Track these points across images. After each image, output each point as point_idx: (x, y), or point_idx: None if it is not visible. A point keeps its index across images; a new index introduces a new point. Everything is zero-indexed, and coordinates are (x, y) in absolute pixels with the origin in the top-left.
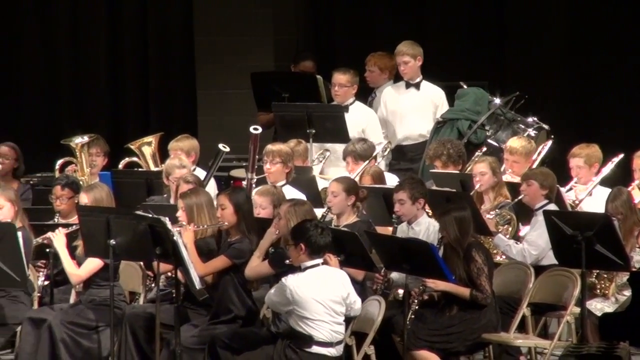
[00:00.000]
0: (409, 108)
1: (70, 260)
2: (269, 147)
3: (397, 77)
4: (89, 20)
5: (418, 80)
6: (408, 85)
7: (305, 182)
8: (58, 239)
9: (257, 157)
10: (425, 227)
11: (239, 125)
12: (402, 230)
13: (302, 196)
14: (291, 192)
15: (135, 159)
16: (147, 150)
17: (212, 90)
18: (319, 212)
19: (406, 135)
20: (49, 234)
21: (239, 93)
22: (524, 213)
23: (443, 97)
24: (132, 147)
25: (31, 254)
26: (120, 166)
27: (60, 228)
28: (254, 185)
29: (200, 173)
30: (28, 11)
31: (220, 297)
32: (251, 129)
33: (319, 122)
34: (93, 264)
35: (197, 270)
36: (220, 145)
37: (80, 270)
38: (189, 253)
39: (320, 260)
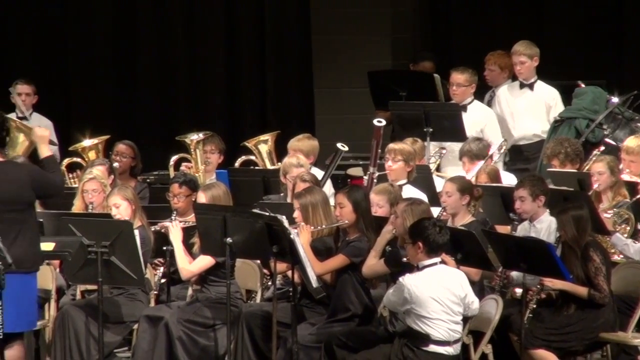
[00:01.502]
0: (522, 108)
1: (183, 255)
2: (392, 145)
3: (516, 76)
4: (205, 18)
5: (532, 80)
6: (522, 86)
7: (422, 180)
8: (175, 232)
9: (379, 151)
10: (547, 225)
11: (356, 123)
12: (524, 229)
13: (423, 196)
14: (412, 192)
15: (251, 157)
16: (264, 148)
17: (329, 89)
18: (436, 210)
19: (521, 135)
20: (167, 223)
21: (356, 91)
22: None
23: (557, 97)
24: (248, 145)
25: (150, 253)
26: (237, 164)
27: (177, 221)
28: (375, 180)
29: (317, 172)
30: (145, 9)
31: (338, 295)
32: (375, 122)
33: (436, 120)
34: (205, 261)
35: (315, 269)
36: (339, 145)
37: (191, 265)
38: (307, 255)
39: (438, 259)
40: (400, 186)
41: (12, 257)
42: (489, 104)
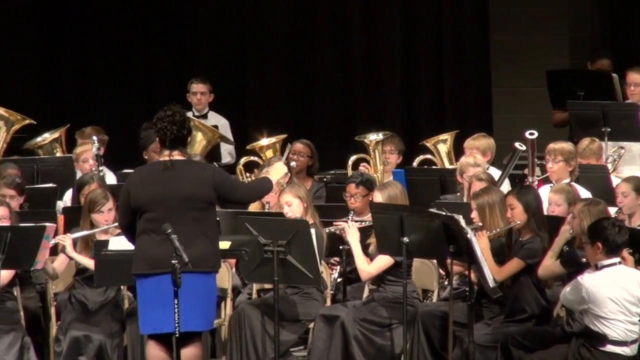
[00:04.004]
0: None
1: (362, 256)
2: (551, 145)
3: None
4: (383, 17)
5: None
6: None
7: (599, 180)
8: (352, 233)
9: (536, 161)
10: None
11: (534, 123)
12: None
13: (587, 194)
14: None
15: (429, 156)
16: (443, 148)
17: (507, 88)
18: (612, 210)
19: None
20: (343, 224)
21: (534, 91)
22: None
23: None
24: (427, 144)
25: (323, 251)
26: (415, 164)
27: (352, 222)
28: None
29: (494, 172)
30: (322, 8)
31: (515, 296)
32: (526, 134)
33: (614, 120)
34: (384, 261)
35: (493, 275)
36: (517, 144)
37: (370, 266)
38: (485, 258)
39: (617, 259)
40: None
41: (192, 256)
42: None
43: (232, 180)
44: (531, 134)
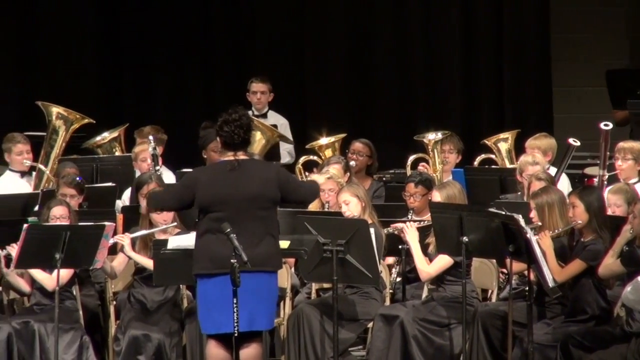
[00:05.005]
0: None
1: (421, 256)
2: (621, 144)
3: None
4: (442, 17)
5: None
6: None
7: None
8: (411, 233)
9: (608, 153)
10: None
11: (595, 122)
12: None
13: None
14: None
15: (490, 155)
16: (504, 147)
17: (568, 88)
18: None
19: None
20: (402, 225)
21: (594, 91)
22: None
23: None
24: (488, 142)
25: (382, 250)
26: (476, 163)
27: (411, 222)
28: (605, 182)
29: (555, 172)
30: (382, 9)
31: (576, 297)
32: (601, 125)
33: None
34: (443, 261)
35: (555, 276)
36: (571, 140)
37: (430, 267)
38: (547, 260)
39: None
40: (632, 185)
41: (258, 255)
42: None
43: (293, 179)
44: (606, 125)
